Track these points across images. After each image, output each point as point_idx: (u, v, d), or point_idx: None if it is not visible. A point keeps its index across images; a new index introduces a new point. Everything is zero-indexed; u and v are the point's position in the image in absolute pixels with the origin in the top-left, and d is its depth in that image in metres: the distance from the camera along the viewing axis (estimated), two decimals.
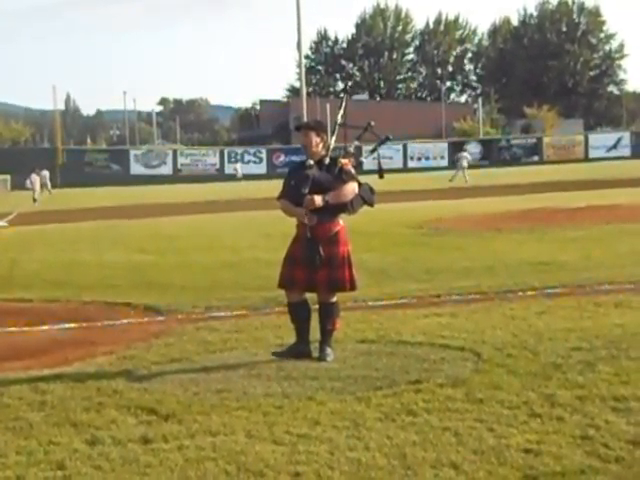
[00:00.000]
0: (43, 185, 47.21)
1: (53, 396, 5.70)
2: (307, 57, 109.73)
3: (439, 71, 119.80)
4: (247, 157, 72.12)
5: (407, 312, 8.33)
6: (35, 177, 44.90)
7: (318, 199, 6.35)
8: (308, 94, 76.34)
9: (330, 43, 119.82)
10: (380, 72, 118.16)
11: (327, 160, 6.50)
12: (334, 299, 6.61)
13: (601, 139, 77.14)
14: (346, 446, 4.50)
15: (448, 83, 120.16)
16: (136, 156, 72.09)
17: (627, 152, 72.61)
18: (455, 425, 4.76)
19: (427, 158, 73.08)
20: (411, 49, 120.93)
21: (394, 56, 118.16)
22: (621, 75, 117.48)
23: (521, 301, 8.70)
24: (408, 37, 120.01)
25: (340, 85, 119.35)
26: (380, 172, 6.94)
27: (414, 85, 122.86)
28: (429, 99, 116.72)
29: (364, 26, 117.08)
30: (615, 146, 74.36)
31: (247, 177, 62.08)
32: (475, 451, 4.35)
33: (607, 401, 5.12)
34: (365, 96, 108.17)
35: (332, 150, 6.60)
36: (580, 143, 75.43)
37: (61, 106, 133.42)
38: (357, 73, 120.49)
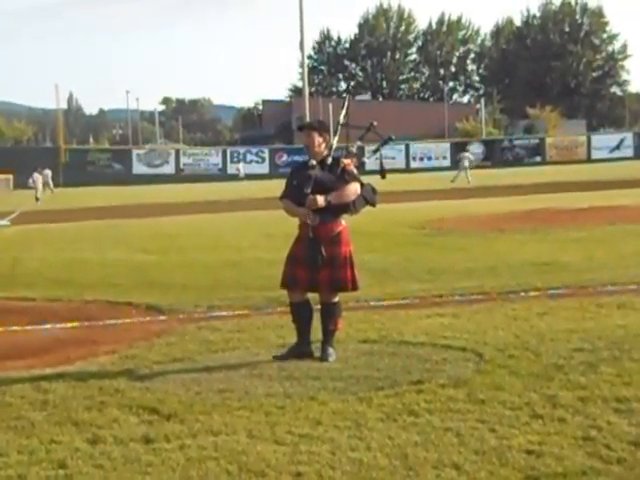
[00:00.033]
0: (45, 184, 47.25)
1: (55, 395, 5.70)
2: (310, 57, 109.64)
3: (442, 71, 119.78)
4: (249, 157, 72.13)
5: (409, 312, 8.32)
6: (37, 176, 44.92)
7: (320, 199, 6.35)
8: (311, 94, 76.40)
9: (333, 43, 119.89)
10: (383, 72, 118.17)
11: (329, 160, 6.50)
12: (336, 299, 6.61)
13: (604, 140, 77.10)
14: (348, 446, 4.50)
15: (451, 83, 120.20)
16: (138, 155, 72.14)
17: (630, 153, 72.51)
18: (457, 426, 4.76)
19: (429, 158, 73.06)
20: (414, 49, 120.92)
21: (397, 56, 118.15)
22: (624, 76, 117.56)
23: (523, 302, 8.70)
24: (411, 37, 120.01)
25: (343, 85, 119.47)
26: (382, 172, 6.94)
27: (417, 85, 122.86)
28: (432, 99, 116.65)
29: (367, 26, 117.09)
30: (618, 147, 74.28)
31: (249, 177, 62.13)
32: (477, 452, 4.35)
33: (609, 402, 5.12)
34: (368, 96, 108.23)
35: (334, 150, 6.60)
36: (583, 144, 75.37)
37: (64, 105, 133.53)
38: (360, 73, 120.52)
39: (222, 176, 67.04)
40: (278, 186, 7.20)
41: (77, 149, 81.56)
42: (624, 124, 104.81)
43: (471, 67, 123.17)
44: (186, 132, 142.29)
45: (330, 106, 60.21)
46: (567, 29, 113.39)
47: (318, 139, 6.55)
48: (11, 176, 58.78)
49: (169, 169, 70.54)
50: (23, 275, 12.64)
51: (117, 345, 7.30)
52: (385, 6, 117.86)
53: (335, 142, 6.64)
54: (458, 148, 65.65)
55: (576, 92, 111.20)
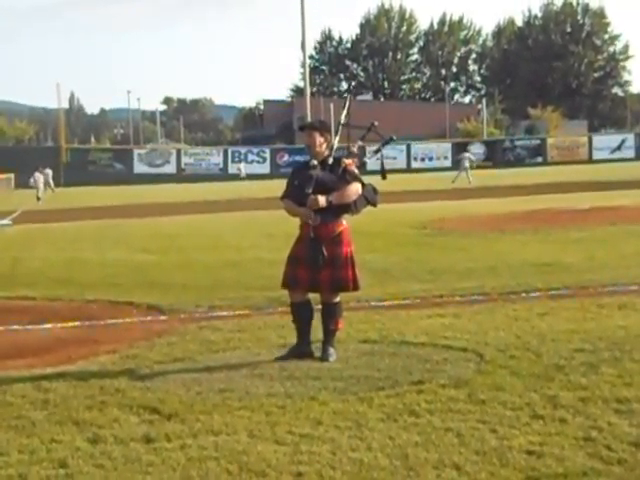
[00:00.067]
0: (46, 184, 47.21)
1: (56, 394, 5.71)
2: (311, 57, 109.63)
3: (443, 72, 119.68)
4: (251, 157, 72.10)
5: (410, 312, 8.33)
6: (39, 175, 44.88)
7: (322, 199, 6.35)
8: (312, 94, 76.45)
9: (334, 43, 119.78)
10: (384, 72, 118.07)
11: (331, 160, 6.50)
12: (337, 299, 6.61)
13: (605, 140, 77.04)
14: (348, 446, 4.50)
15: (452, 84, 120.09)
16: (140, 155, 72.14)
17: (631, 154, 72.41)
18: (457, 426, 4.76)
19: (431, 159, 73.00)
20: (415, 49, 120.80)
21: (398, 56, 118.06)
22: (625, 77, 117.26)
23: (524, 302, 8.70)
24: (412, 37, 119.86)
25: (344, 85, 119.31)
26: (383, 172, 6.93)
27: (418, 85, 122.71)
28: (433, 100, 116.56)
29: (368, 26, 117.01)
30: (619, 147, 74.21)
31: (250, 177, 62.13)
32: (477, 452, 4.35)
33: (610, 403, 5.11)
34: (369, 96, 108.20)
35: (336, 150, 6.60)
36: (584, 144, 75.30)
37: (65, 105, 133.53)
38: (361, 73, 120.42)
39: (223, 176, 67.03)
40: (279, 186, 7.20)
41: (78, 149, 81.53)
42: (625, 125, 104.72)
43: (472, 67, 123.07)
44: (187, 132, 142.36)
45: (331, 106, 60.25)
46: (569, 29, 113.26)
47: (319, 139, 6.55)
48: (12, 175, 58.77)
49: (170, 169, 70.51)
50: (24, 274, 12.65)
51: (118, 345, 7.31)
52: (387, 6, 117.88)
53: (336, 142, 6.64)
54: (459, 148, 65.59)
55: (577, 93, 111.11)
